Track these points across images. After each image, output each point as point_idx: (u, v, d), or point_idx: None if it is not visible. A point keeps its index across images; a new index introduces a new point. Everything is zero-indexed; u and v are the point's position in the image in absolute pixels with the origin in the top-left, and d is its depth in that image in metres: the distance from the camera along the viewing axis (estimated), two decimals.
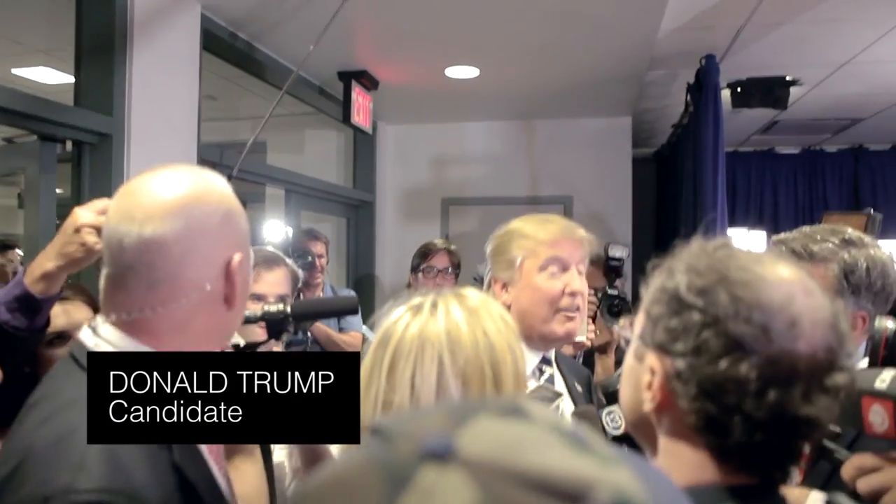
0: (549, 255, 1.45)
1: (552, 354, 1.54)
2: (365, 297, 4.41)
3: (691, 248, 0.74)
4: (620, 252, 2.55)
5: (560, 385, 1.51)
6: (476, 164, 5.24)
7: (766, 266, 0.70)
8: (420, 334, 0.87)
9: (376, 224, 5.16)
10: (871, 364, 1.05)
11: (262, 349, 1.25)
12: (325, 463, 0.79)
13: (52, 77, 3.94)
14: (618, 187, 5.14)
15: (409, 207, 5.31)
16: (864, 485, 0.86)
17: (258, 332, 1.33)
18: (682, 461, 0.70)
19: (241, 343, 1.27)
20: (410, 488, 0.32)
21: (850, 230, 1.36)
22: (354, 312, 1.44)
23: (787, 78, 4.23)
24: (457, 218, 5.29)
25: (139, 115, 2.60)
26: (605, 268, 2.82)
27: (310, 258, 3.26)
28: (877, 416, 0.84)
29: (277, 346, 1.50)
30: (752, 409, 0.65)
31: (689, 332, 0.68)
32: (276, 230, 4.38)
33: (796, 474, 0.99)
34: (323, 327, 3.14)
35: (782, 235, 1.40)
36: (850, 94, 4.58)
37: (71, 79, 2.63)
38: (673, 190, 5.10)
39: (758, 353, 0.65)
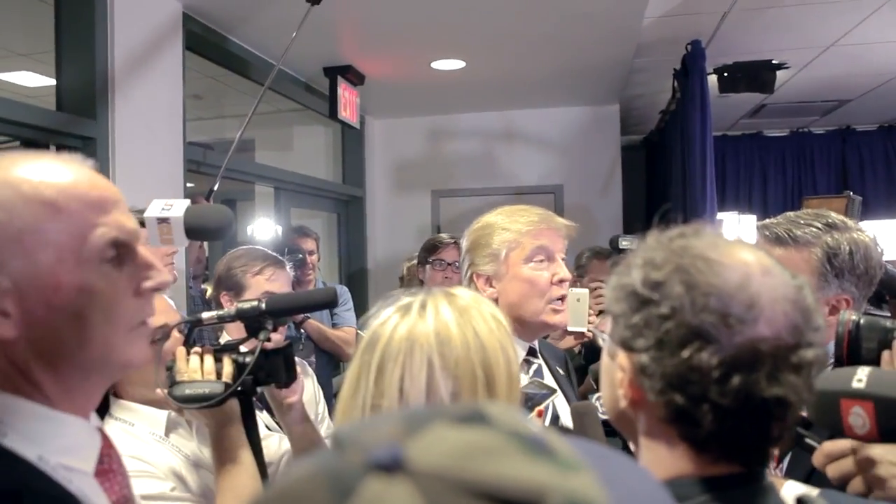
0: (534, 245, 1.46)
1: (536, 344, 1.55)
2: (357, 292, 4.41)
3: (648, 242, 0.73)
4: (629, 243, 2.51)
5: (547, 375, 1.52)
6: (465, 156, 5.23)
7: (721, 251, 0.68)
8: (409, 336, 0.83)
9: (367, 218, 5.15)
10: (837, 361, 1.03)
11: (243, 348, 1.24)
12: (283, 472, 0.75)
13: (33, 81, 3.90)
14: (607, 175, 5.15)
15: (400, 201, 5.30)
16: (832, 471, 0.87)
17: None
18: (661, 455, 0.70)
19: (221, 342, 1.27)
20: (353, 500, 0.31)
21: (833, 214, 1.36)
22: (333, 305, 1.41)
23: (773, 62, 4.23)
24: (448, 210, 5.28)
25: (123, 117, 2.58)
26: (615, 260, 2.78)
27: (300, 255, 3.25)
28: (857, 419, 0.82)
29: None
30: (718, 397, 0.64)
31: (650, 327, 0.67)
32: (265, 228, 4.39)
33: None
34: (315, 323, 3.13)
35: (766, 221, 1.41)
36: (836, 76, 4.58)
37: (53, 82, 2.60)
38: (663, 176, 5.10)
39: (718, 339, 0.64)
